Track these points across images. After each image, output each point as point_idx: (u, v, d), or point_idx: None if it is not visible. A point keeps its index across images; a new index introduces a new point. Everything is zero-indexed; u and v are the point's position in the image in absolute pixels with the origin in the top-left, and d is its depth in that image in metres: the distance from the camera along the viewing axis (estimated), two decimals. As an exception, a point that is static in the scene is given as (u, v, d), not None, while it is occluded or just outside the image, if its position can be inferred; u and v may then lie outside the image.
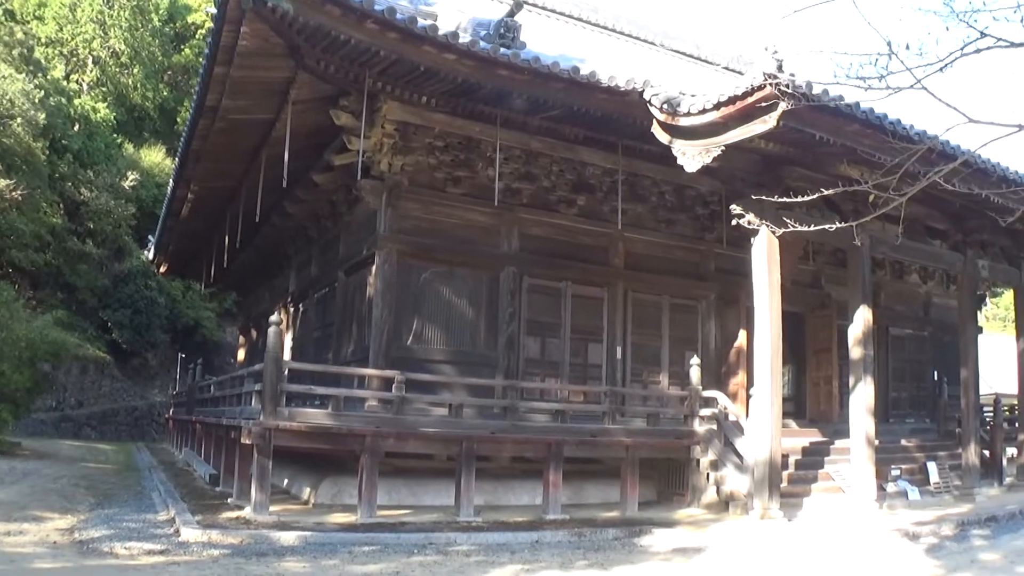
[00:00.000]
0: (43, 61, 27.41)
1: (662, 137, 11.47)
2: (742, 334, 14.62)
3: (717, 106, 10.44)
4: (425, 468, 11.99)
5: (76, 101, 28.61)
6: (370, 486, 10.36)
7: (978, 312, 20.77)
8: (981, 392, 18.18)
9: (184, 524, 9.45)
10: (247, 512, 10.17)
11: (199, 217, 17.82)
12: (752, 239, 11.56)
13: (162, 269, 23.60)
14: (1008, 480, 15.70)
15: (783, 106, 9.66)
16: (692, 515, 11.78)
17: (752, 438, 11.33)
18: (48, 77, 26.63)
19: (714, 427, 12.37)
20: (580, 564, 8.66)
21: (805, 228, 12.08)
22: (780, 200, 11.24)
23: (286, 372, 10.57)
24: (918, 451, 15.07)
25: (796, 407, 16.91)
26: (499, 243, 13.31)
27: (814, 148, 11.02)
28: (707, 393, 12.60)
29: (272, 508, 10.54)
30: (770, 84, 9.58)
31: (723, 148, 10.61)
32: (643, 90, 11.33)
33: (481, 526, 10.27)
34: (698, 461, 12.33)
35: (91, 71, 30.56)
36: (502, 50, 10.75)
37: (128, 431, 25.69)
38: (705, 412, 12.46)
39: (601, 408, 12.07)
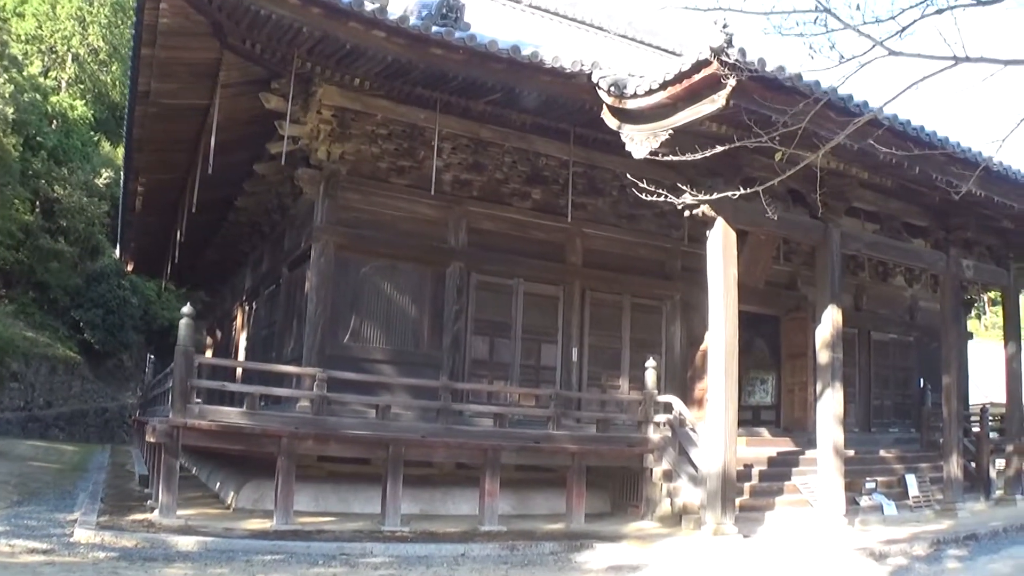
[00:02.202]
0: (20, 58, 26.94)
1: (611, 122, 10.74)
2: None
3: (663, 85, 9.69)
4: (359, 473, 11.24)
5: (53, 98, 28.19)
6: (286, 491, 9.62)
7: (964, 316, 19.94)
8: (979, 401, 17.42)
9: (81, 525, 8.94)
10: (155, 515, 9.59)
11: (152, 211, 17.19)
12: (707, 232, 10.74)
13: (129, 267, 23.02)
14: (997, 494, 14.79)
15: (732, 83, 8.93)
16: (643, 529, 10.94)
17: (706, 447, 10.51)
18: (24, 74, 26.22)
19: (670, 435, 11.54)
20: (496, 583, 7.90)
21: (766, 221, 11.60)
22: (740, 191, 10.63)
23: (196, 367, 9.94)
24: (897, 462, 14.17)
25: (775, 415, 16.09)
26: (446, 237, 12.58)
27: (773, 132, 10.20)
28: (662, 398, 11.78)
29: (190, 511, 10.13)
30: (717, 60, 8.82)
31: (671, 132, 9.85)
32: (591, 72, 10.61)
33: (405, 536, 9.52)
34: (651, 471, 11.49)
35: (70, 68, 30.17)
36: (435, 28, 10.04)
37: (97, 433, 25.08)
38: (660, 419, 11.63)
39: (546, 413, 11.25)
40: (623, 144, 10.61)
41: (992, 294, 22.96)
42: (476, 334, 12.51)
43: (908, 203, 12.90)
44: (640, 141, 10.22)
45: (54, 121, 27.76)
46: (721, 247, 10.53)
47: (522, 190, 13.01)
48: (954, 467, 13.24)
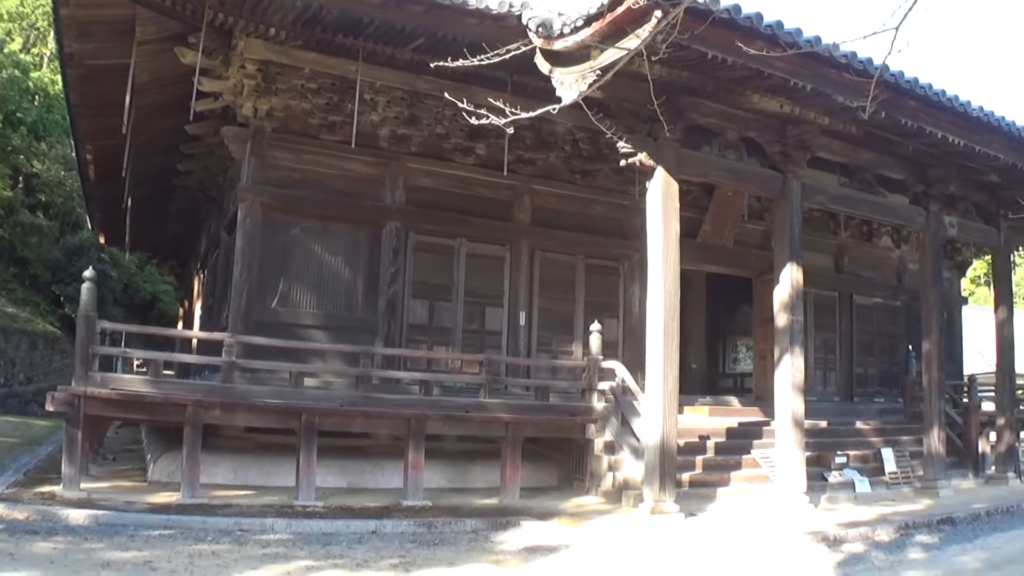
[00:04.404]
0: (2, 36, 26.60)
1: (543, 66, 9.92)
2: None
3: (588, 21, 8.86)
4: (286, 445, 10.63)
5: (35, 74, 27.86)
6: (192, 462, 9.15)
7: (958, 278, 18.93)
8: (982, 372, 16.41)
9: (-23, 497, 8.55)
10: (59, 488, 9.10)
11: (106, 180, 16.62)
12: (647, 183, 9.90)
13: (101, 239, 22.63)
14: (989, 471, 13.84)
15: (658, 15, 8.07)
16: (583, 505, 10.22)
17: (647, 418, 9.74)
18: (6, 51, 25.91)
19: (614, 404, 10.79)
20: (386, 564, 7.24)
21: (714, 171, 10.76)
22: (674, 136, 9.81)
23: (98, 332, 9.44)
24: (875, 435, 13.32)
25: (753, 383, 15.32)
26: (382, 195, 11.91)
27: (714, 73, 9.37)
28: (606, 364, 11.00)
29: (105, 484, 9.85)
30: (640, -12, 7.97)
31: (599, 73, 8.95)
32: (520, 13, 9.79)
33: (316, 512, 8.97)
34: (594, 442, 10.76)
35: (51, 43, 29.65)
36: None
37: (79, 409, 24.73)
38: (605, 386, 10.87)
39: (477, 380, 10.54)
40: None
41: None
42: (414, 297, 11.88)
43: (881, 154, 11.94)
44: (569, 85, 9.39)
45: (35, 97, 27.42)
46: (660, 199, 9.70)
47: (464, 145, 12.26)
48: (935, 441, 12.31)
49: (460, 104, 6.51)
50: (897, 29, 4.15)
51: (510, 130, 7.07)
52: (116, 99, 12.85)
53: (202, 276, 16.44)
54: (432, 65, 6.95)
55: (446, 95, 7.60)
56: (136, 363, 15.25)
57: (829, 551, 8.39)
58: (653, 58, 8.97)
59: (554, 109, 6.27)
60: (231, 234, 12.73)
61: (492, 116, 6.18)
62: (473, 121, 6.30)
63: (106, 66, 11.57)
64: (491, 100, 8.85)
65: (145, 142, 13.71)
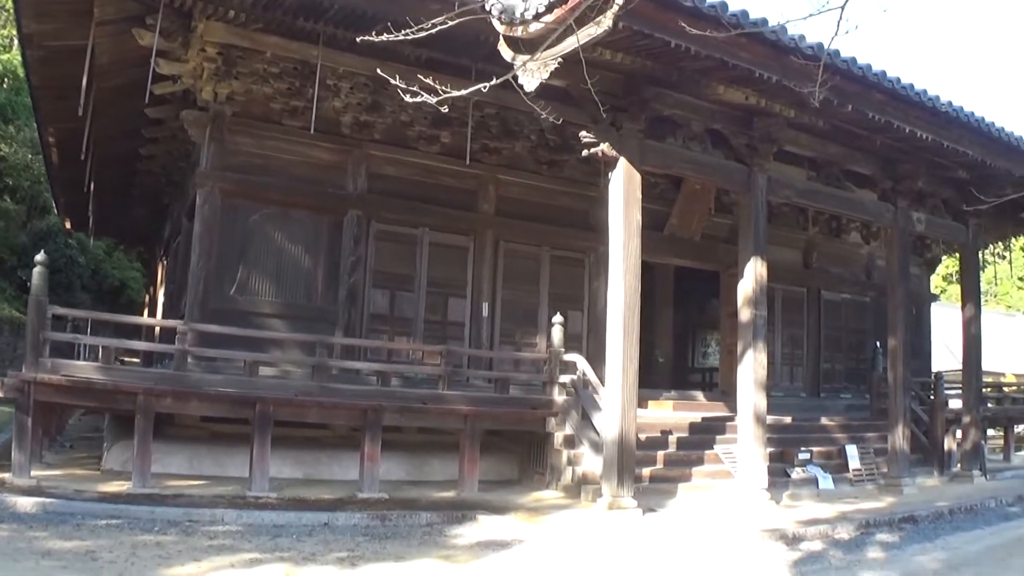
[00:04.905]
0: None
1: (506, 54, 9.74)
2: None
3: (549, 7, 8.67)
4: (241, 435, 10.47)
5: (4, 56, 27.19)
6: (143, 451, 8.98)
7: (927, 275, 18.99)
8: (953, 368, 16.39)
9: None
10: (8, 475, 8.88)
11: (69, 164, 16.31)
12: (609, 173, 9.76)
13: (67, 224, 22.24)
14: (955, 469, 13.81)
15: (620, 2, 7.93)
16: (542, 499, 10.09)
17: (606, 412, 9.63)
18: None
19: (575, 397, 10.67)
20: (333, 557, 7.09)
21: (678, 163, 10.64)
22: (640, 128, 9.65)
23: (49, 318, 9.23)
24: (840, 431, 13.29)
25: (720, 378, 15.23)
26: (344, 183, 11.73)
27: (679, 63, 9.23)
28: (568, 357, 10.88)
29: (59, 472, 9.73)
30: (599, -27, 7.82)
31: (560, 60, 8.84)
32: (484, -1, 9.60)
33: (268, 503, 8.81)
34: (554, 436, 10.64)
35: (22, 22, 29.06)
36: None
37: (45, 396, 24.36)
38: (566, 379, 10.76)
39: (436, 371, 10.40)
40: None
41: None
42: (376, 287, 11.72)
43: (849, 148, 11.87)
44: (532, 72, 9.20)
45: (4, 79, 26.82)
46: (623, 190, 9.57)
47: (429, 133, 12.10)
48: (899, 438, 12.25)
49: (392, 80, 6.32)
50: (842, 9, 4.01)
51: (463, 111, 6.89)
52: (77, 81, 12.51)
53: (165, 263, 16.19)
54: (359, 40, 6.72)
55: (378, 71, 7.35)
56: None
57: (786, 549, 8.24)
58: (615, 47, 8.94)
59: (485, 87, 6.14)
60: (191, 220, 12.51)
61: (424, 95, 6.04)
62: (408, 99, 6.15)
63: (66, 47, 11.30)
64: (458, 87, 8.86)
65: (107, 125, 13.45)
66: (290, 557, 6.94)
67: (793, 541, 8.49)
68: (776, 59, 9.22)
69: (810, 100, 9.54)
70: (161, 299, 15.79)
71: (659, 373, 15.54)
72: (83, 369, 9.17)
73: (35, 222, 25.36)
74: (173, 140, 13.70)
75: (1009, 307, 38.80)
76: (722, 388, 14.44)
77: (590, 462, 10.09)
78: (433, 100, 5.97)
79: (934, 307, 19.46)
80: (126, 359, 14.89)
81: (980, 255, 15.38)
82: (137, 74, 11.59)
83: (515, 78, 9.35)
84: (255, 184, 11.21)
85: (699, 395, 13.95)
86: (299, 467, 10.47)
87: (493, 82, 6.09)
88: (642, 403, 12.94)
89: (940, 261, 20.06)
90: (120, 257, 26.99)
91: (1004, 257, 27.78)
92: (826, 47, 9.07)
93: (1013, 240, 19.37)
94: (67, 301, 25.48)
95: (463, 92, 6.11)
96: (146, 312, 20.71)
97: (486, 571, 6.99)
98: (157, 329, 13.82)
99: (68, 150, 15.86)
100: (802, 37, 8.80)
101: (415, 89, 6.02)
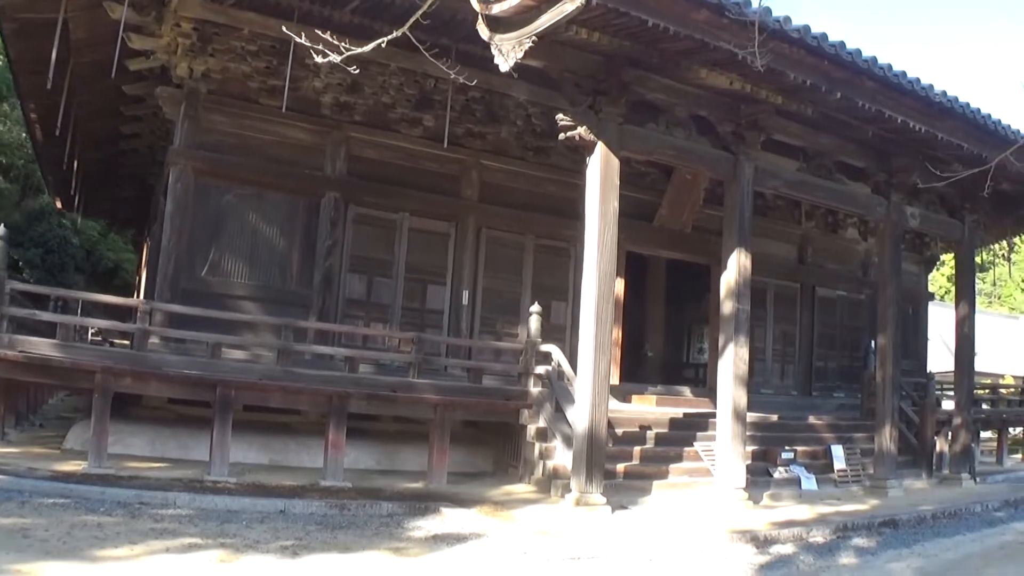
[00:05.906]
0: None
1: (484, 33, 9.39)
2: (621, 283, 12.52)
3: (522, -18, 8.38)
4: (206, 418, 10.26)
5: None
6: (100, 431, 8.80)
7: (926, 273, 18.60)
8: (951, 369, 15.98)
9: None
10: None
11: (52, 141, 16.10)
12: (587, 158, 9.46)
13: (58, 204, 22.06)
14: (944, 472, 13.47)
15: (594, -23, 7.63)
16: (512, 493, 9.81)
17: (577, 405, 9.34)
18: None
19: (550, 389, 10.39)
20: (276, 546, 6.83)
21: (660, 149, 10.32)
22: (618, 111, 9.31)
23: (7, 292, 8.99)
24: (828, 431, 12.97)
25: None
26: (322, 165, 11.49)
27: (659, 43, 8.90)
28: (544, 347, 10.59)
29: (16, 450, 9.63)
30: (571, -53, 7.53)
31: (535, 39, 8.53)
32: (461, -24, 9.30)
33: (226, 487, 8.60)
34: (527, 428, 10.36)
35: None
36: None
37: (37, 377, 24.25)
38: (541, 370, 10.48)
39: (406, 358, 10.14)
40: (523, 67, 9.27)
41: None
42: (352, 271, 11.48)
43: (841, 139, 11.53)
44: (507, 52, 8.91)
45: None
46: (600, 175, 9.24)
47: (411, 116, 11.84)
48: (886, 439, 11.91)
49: (314, 48, 6.12)
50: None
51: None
52: (49, 57, 12.42)
53: (148, 244, 15.99)
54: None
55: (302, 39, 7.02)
56: (91, 331, 14.80)
57: (755, 552, 7.90)
58: (591, 26, 8.62)
59: (383, 43, 6.02)
60: (166, 199, 12.31)
61: (329, 53, 5.88)
62: (319, 60, 6.18)
63: (40, 20, 11.07)
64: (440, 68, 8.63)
65: (89, 102, 13.25)
66: (232, 544, 6.70)
67: (764, 544, 8.16)
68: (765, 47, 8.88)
69: (801, 88, 9.33)
70: (144, 281, 15.58)
71: (649, 367, 15.25)
72: (40, 346, 8.94)
73: (28, 201, 25.20)
74: (154, 118, 13.48)
75: (1012, 309, 38.30)
76: (709, 384, 14.08)
77: (561, 456, 9.81)
78: (338, 59, 5.85)
79: (935, 307, 19.11)
80: (115, 341, 14.77)
81: (980, 254, 15.03)
82: (113, 50, 11.39)
83: (492, 58, 9.13)
84: (230, 163, 10.98)
85: (686, 390, 13.67)
86: (265, 453, 10.27)
87: (390, 36, 5.98)
88: (626, 397, 12.78)
89: (938, 259, 19.67)
90: (115, 239, 26.81)
91: (1009, 259, 27.33)
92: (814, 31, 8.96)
93: (1017, 242, 19.02)
94: (60, 281, 25.40)
95: (364, 49, 6.02)
96: (135, 294, 20.52)
97: (434, 566, 6.71)
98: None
99: (51, 127, 15.65)
100: (788, 19, 8.47)
101: (320, 48, 5.88)
